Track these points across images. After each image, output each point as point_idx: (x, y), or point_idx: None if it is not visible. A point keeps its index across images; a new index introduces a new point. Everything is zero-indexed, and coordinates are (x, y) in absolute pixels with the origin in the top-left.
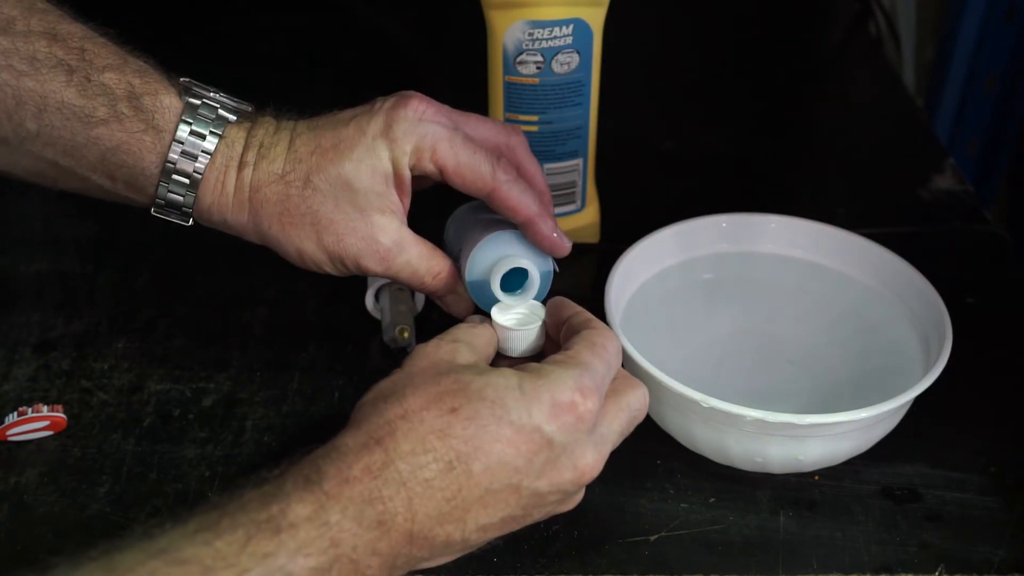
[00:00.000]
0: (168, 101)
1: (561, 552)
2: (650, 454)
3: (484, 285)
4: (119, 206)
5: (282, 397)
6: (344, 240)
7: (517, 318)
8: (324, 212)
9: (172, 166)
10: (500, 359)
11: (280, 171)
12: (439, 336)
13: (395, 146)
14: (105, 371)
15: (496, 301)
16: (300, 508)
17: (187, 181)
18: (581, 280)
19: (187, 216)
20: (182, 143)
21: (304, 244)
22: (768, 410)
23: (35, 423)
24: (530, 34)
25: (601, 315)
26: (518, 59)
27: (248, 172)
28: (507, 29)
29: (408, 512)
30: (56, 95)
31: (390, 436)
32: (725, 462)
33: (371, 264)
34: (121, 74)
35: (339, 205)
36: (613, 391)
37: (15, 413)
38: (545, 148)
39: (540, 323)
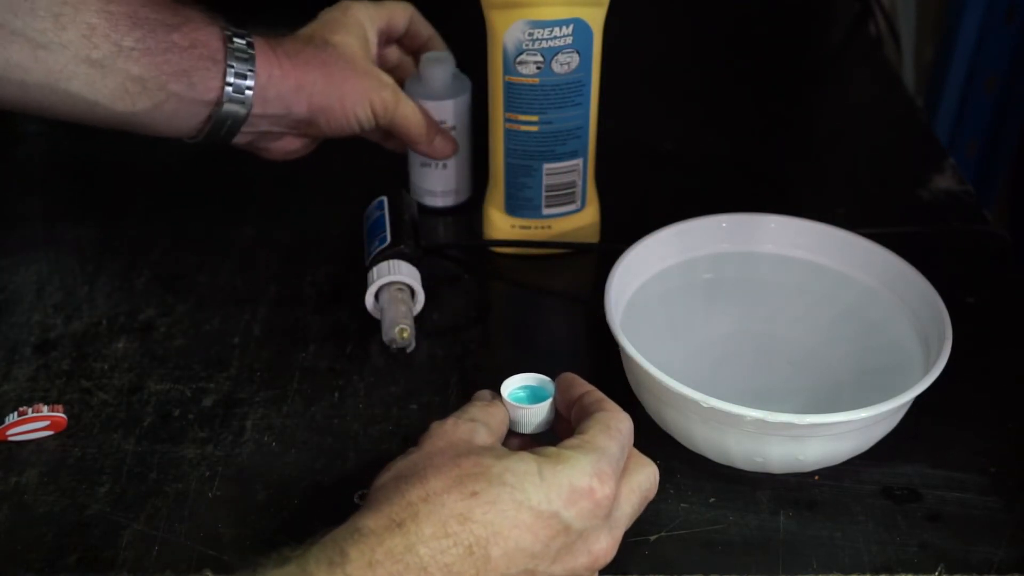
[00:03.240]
0: (209, 15)
1: None
2: (650, 454)
3: None
4: (119, 206)
5: (282, 397)
6: (375, 78)
7: (527, 395)
8: (351, 62)
9: (230, 34)
10: (511, 436)
11: (305, 36)
12: (455, 414)
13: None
14: (105, 371)
15: None
16: None
17: (246, 56)
18: (581, 280)
19: (248, 102)
20: (231, 31)
21: (346, 89)
22: (768, 410)
23: (35, 423)
24: (530, 34)
25: (601, 315)
26: (518, 59)
27: (283, 45)
28: (507, 29)
29: None
30: (139, 12)
31: (412, 519)
32: (725, 462)
33: (396, 98)
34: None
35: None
36: (624, 471)
37: (15, 413)
38: (545, 148)
39: (550, 400)
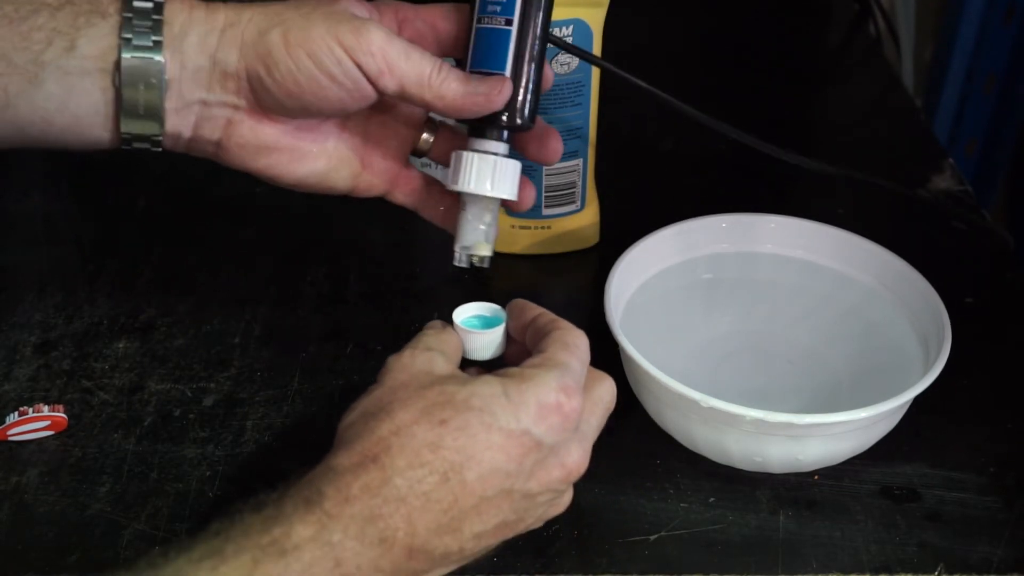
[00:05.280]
0: None
1: (561, 552)
2: (650, 454)
3: None
4: (119, 206)
5: (282, 397)
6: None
7: (480, 323)
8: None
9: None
10: (466, 365)
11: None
12: (410, 345)
13: None
14: (106, 371)
15: None
16: (303, 529)
17: (150, 4)
18: (581, 280)
19: (157, 60)
20: None
21: (295, 22)
22: (768, 410)
23: (36, 423)
24: None
25: (601, 315)
26: None
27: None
28: None
29: (408, 527)
30: None
31: (385, 452)
32: (725, 462)
33: (386, 35)
34: None
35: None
36: (584, 387)
37: (16, 413)
38: None
39: (503, 326)
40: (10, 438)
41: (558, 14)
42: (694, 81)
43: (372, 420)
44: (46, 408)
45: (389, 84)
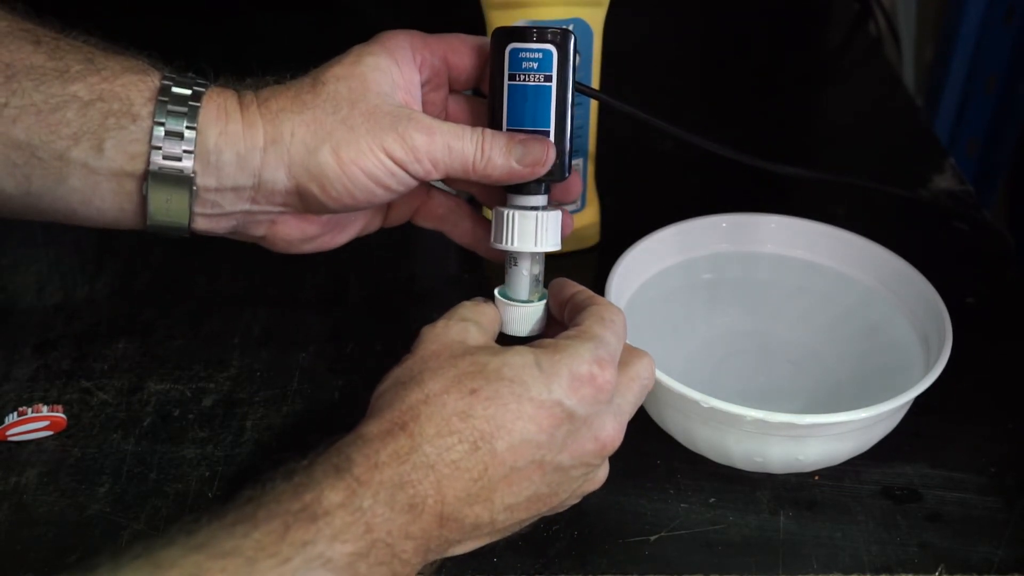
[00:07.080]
0: (145, 63)
1: (561, 552)
2: (650, 454)
3: None
4: None
5: (282, 397)
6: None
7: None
8: (359, 98)
9: (168, 84)
10: (503, 339)
11: (309, 77)
12: (445, 316)
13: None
14: (105, 371)
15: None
16: (333, 495)
17: (184, 109)
18: (581, 280)
19: (188, 172)
20: (171, 80)
21: (342, 136)
22: (768, 410)
23: (35, 423)
24: None
25: None
26: None
27: (248, 93)
28: None
29: (438, 494)
30: (24, 60)
31: (414, 420)
32: (725, 462)
33: (429, 129)
34: (88, 44)
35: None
36: (621, 363)
37: (15, 413)
38: None
39: (544, 302)
40: (9, 438)
41: (558, 13)
42: (694, 81)
43: (403, 389)
44: (45, 408)
45: (435, 176)
